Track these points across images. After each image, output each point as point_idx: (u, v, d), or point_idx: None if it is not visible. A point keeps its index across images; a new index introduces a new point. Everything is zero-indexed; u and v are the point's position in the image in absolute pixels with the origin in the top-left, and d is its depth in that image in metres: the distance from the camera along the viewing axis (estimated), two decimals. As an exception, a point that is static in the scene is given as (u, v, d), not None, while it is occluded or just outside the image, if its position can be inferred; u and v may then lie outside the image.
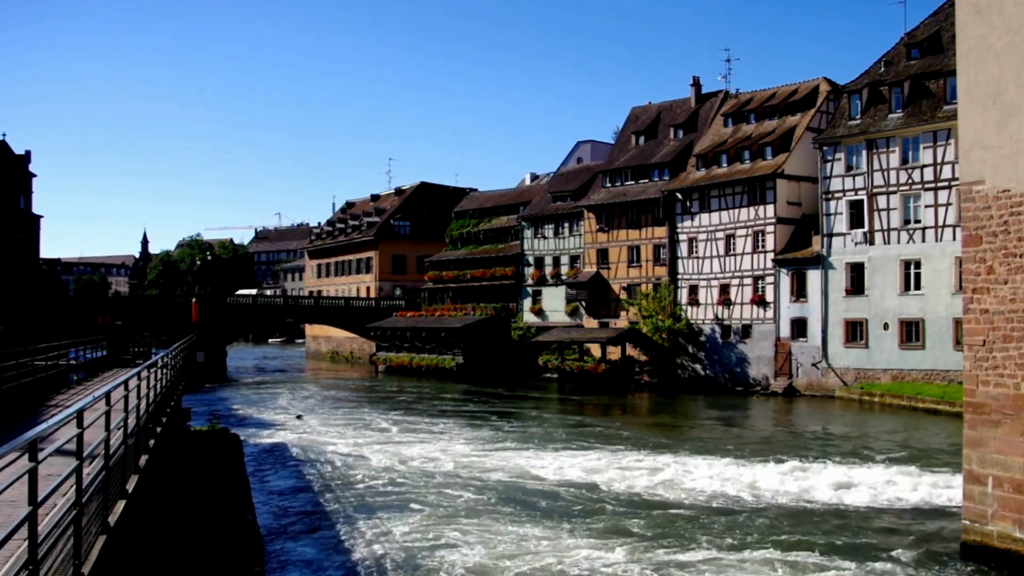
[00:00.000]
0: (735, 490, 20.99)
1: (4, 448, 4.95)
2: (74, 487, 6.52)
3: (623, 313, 52.79)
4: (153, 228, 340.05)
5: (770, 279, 45.34)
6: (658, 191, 51.17)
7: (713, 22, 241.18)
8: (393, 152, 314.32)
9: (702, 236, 48.70)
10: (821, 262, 42.74)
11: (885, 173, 40.53)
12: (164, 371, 17.68)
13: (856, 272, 41.64)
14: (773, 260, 45.06)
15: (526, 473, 23.51)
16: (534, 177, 72.47)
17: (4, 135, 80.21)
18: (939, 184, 38.56)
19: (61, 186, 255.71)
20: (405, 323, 64.84)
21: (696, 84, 55.98)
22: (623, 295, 53.16)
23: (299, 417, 37.03)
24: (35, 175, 76.62)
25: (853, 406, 39.19)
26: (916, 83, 40.24)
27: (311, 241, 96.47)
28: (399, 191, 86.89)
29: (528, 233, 61.05)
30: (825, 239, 42.58)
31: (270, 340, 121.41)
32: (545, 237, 59.85)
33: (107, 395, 8.17)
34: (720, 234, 47.79)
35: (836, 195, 42.25)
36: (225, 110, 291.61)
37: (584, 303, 55.02)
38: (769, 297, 45.36)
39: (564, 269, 57.87)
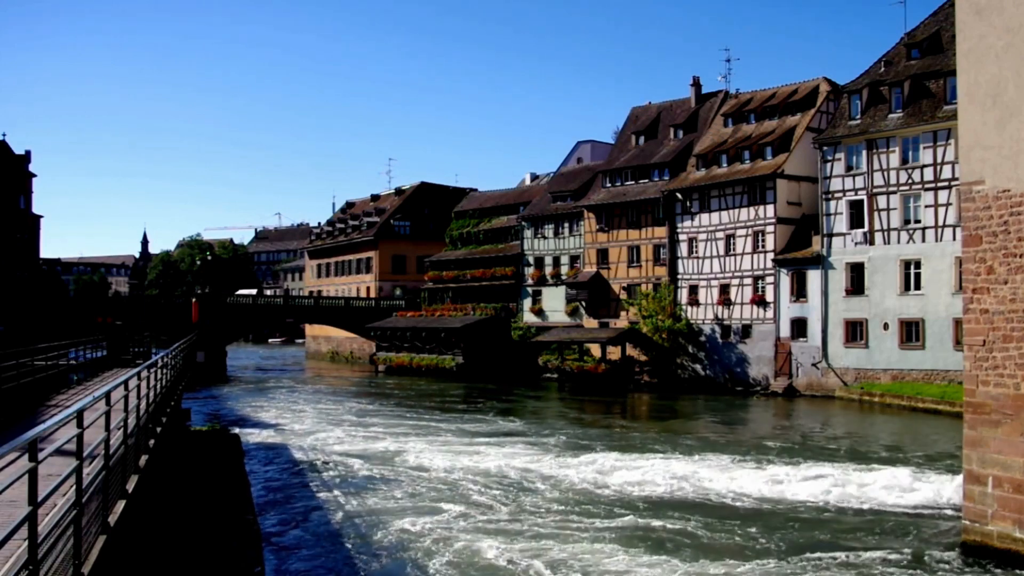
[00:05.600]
0: (733, 491, 20.98)
1: (4, 448, 4.94)
2: (74, 487, 6.52)
3: (623, 313, 52.79)
4: (153, 228, 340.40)
5: (770, 279, 45.34)
6: (658, 191, 51.17)
7: (713, 22, 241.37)
8: (393, 152, 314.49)
9: (702, 236, 48.70)
10: (821, 262, 42.74)
11: (885, 173, 40.53)
12: (164, 371, 17.68)
13: (856, 272, 41.64)
14: (773, 260, 45.07)
15: (523, 471, 23.49)
16: (534, 177, 72.48)
17: (4, 135, 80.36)
18: (939, 184, 38.56)
19: (61, 186, 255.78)
20: (405, 323, 64.85)
21: (696, 84, 55.97)
22: (623, 295, 53.16)
23: None
24: (35, 175, 76.77)
25: (853, 406, 39.20)
26: (916, 83, 40.24)
27: (311, 241, 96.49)
28: (399, 191, 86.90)
29: (528, 233, 61.06)
30: (825, 239, 42.58)
31: (270, 340, 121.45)
32: (545, 237, 59.85)
33: (107, 395, 8.16)
34: (720, 234, 47.80)
35: (836, 195, 42.25)
36: (225, 110, 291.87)
37: (584, 303, 55.02)
38: (769, 297, 45.36)
39: (564, 269, 57.88)
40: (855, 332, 41.65)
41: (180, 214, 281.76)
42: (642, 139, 56.83)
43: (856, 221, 41.58)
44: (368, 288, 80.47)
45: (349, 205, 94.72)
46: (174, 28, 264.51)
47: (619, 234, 53.93)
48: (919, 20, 44.49)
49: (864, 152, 41.28)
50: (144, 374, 12.78)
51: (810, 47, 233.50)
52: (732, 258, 47.19)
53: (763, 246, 45.73)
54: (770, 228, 45.42)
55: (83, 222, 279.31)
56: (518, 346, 58.02)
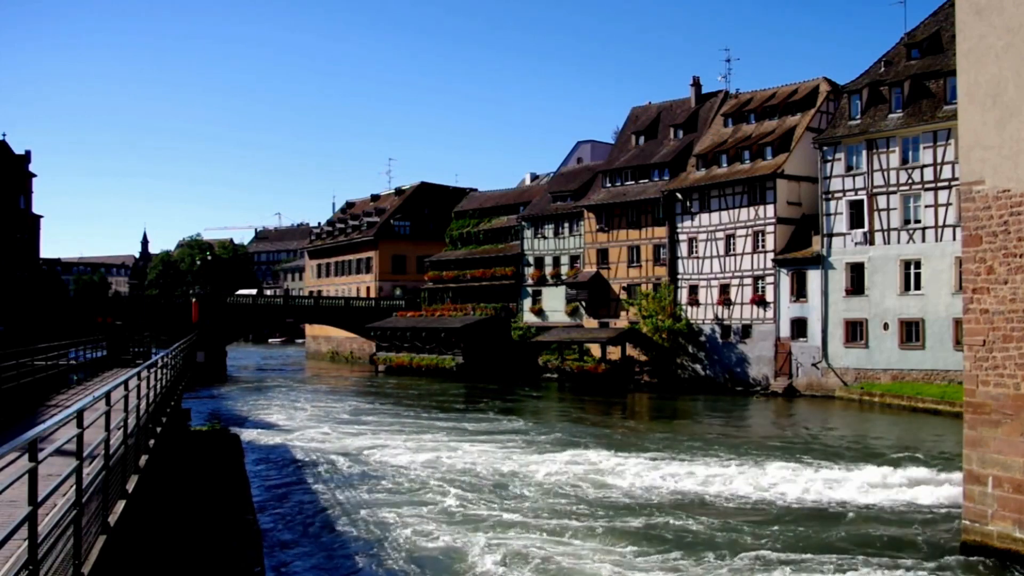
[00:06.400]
0: (731, 490, 20.98)
1: (4, 448, 4.94)
2: (74, 487, 6.52)
3: (623, 313, 52.79)
4: (153, 228, 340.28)
5: (770, 279, 45.34)
6: (658, 191, 51.17)
7: (713, 22, 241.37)
8: (393, 152, 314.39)
9: (702, 236, 48.70)
10: (821, 262, 42.74)
11: (885, 173, 40.53)
12: (164, 371, 17.67)
13: (856, 272, 41.64)
14: (773, 260, 45.06)
15: (523, 471, 23.49)
16: (534, 177, 72.48)
17: (4, 135, 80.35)
18: (939, 184, 38.56)
19: (61, 186, 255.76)
20: (405, 323, 64.85)
21: (696, 84, 55.97)
22: (623, 295, 53.16)
23: None
24: (35, 175, 76.76)
25: (853, 406, 39.19)
26: (916, 83, 40.23)
27: (311, 241, 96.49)
28: (399, 191, 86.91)
29: (528, 233, 61.05)
30: (825, 239, 42.58)
31: (270, 340, 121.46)
32: (545, 237, 59.85)
33: (107, 395, 8.16)
34: (720, 234, 47.79)
35: (836, 195, 42.24)
36: (225, 110, 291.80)
37: (584, 303, 55.02)
38: (769, 297, 45.35)
39: (564, 269, 57.88)
40: (855, 332, 41.65)
41: (180, 214, 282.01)
42: (642, 139, 56.83)
43: (856, 221, 41.57)
44: (368, 288, 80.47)
45: (349, 205, 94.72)
46: (174, 28, 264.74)
47: (619, 234, 53.93)
48: (919, 20, 44.55)
49: (864, 152, 41.28)
50: (144, 374, 12.78)
51: (810, 47, 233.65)
52: (732, 258, 47.18)
53: (763, 246, 45.72)
54: (770, 228, 45.41)
55: (83, 222, 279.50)
56: (518, 346, 58.01)
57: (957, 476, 17.99)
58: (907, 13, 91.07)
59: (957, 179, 35.09)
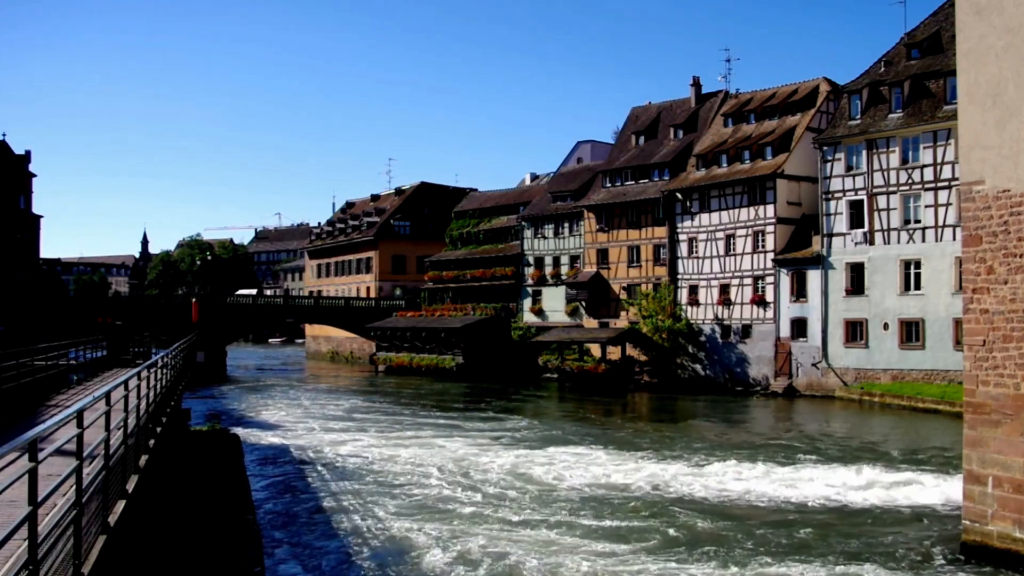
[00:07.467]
0: (733, 492, 20.98)
1: (4, 448, 4.94)
2: (74, 487, 6.51)
3: (623, 313, 52.79)
4: (153, 228, 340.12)
5: (770, 279, 45.33)
6: (658, 191, 51.17)
7: (713, 22, 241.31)
8: (393, 152, 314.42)
9: (702, 236, 48.69)
10: (821, 262, 42.74)
11: (885, 173, 40.53)
12: (164, 371, 17.66)
13: (856, 272, 41.64)
14: (773, 260, 45.05)
15: (520, 471, 23.49)
16: (534, 177, 72.47)
17: (4, 135, 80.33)
18: (939, 184, 38.56)
19: (61, 186, 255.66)
20: (405, 323, 64.85)
21: (696, 84, 55.97)
22: (623, 295, 53.16)
23: None
24: (35, 175, 76.76)
25: (853, 406, 39.20)
26: (916, 83, 40.23)
27: (311, 241, 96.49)
28: (399, 191, 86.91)
29: (528, 233, 61.05)
30: (825, 239, 42.58)
31: (270, 340, 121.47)
32: (545, 237, 59.84)
33: (107, 395, 8.16)
34: (720, 234, 47.79)
35: (836, 195, 42.25)
36: (225, 110, 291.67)
37: (584, 303, 55.02)
38: (769, 297, 45.35)
39: (564, 269, 57.88)
40: (855, 332, 41.64)
41: (180, 214, 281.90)
42: (642, 139, 56.82)
43: (856, 221, 41.57)
44: (368, 288, 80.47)
45: (349, 205, 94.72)
46: (174, 28, 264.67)
47: (619, 234, 53.93)
48: (919, 20, 44.55)
49: (864, 152, 41.28)
50: (144, 374, 12.76)
51: (810, 47, 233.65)
52: (732, 258, 47.18)
53: (763, 246, 45.72)
54: (770, 228, 45.41)
55: (83, 222, 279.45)
56: (518, 346, 58.01)
57: (957, 476, 17.99)
58: (907, 13, 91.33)
59: (957, 179, 35.09)
